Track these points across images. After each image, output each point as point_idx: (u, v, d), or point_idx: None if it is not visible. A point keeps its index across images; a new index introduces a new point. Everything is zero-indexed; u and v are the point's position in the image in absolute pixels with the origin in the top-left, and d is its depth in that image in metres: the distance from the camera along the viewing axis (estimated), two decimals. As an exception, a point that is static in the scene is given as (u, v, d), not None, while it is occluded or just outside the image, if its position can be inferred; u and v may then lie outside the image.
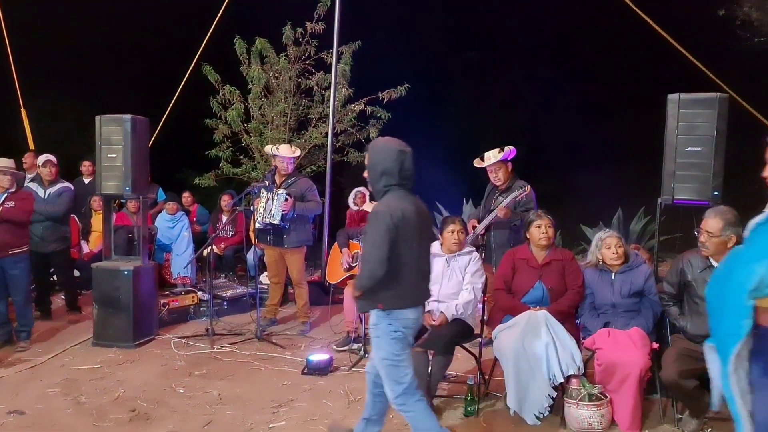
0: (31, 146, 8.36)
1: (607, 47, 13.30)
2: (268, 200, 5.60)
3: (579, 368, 3.81)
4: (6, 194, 5.26)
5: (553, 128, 13.98)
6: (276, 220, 5.56)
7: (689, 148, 4.33)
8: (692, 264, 3.78)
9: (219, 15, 7.81)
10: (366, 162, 3.20)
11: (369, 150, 3.21)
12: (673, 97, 4.38)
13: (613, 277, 4.07)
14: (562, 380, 3.78)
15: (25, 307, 5.44)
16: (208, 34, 7.94)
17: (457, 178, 8.98)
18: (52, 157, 6.27)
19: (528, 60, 14.05)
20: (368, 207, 5.77)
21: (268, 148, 5.96)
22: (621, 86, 13.51)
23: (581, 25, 13.11)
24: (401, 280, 3.05)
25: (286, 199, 5.54)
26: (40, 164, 6.20)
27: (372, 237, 3.01)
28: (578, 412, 3.71)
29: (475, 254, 4.42)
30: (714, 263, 3.68)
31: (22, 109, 8.55)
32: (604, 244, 4.12)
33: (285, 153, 5.79)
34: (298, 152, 6.10)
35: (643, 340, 3.82)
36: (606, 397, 3.76)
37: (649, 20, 6.62)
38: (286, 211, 5.56)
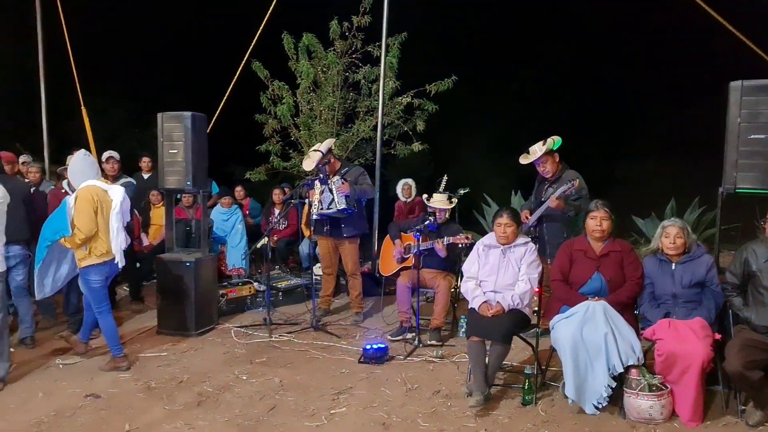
0: (92, 144, 8.70)
1: (659, 33, 12.97)
2: (323, 192, 5.69)
3: (639, 358, 3.80)
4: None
5: (603, 117, 13.73)
6: (342, 205, 5.56)
7: (752, 136, 4.25)
8: (756, 254, 3.73)
9: (268, 13, 7.94)
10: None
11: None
12: (735, 85, 4.29)
13: (673, 267, 4.03)
14: (621, 370, 3.78)
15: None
16: (258, 32, 8.08)
17: (505, 170, 8.93)
18: (115, 154, 6.62)
19: (579, 47, 13.80)
20: (438, 203, 5.59)
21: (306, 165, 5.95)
22: (672, 73, 13.18)
23: (634, 12, 12.80)
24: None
25: (342, 183, 5.62)
26: (103, 160, 6.52)
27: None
28: (638, 402, 3.71)
29: (531, 245, 4.43)
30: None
31: (82, 108, 8.88)
32: (665, 233, 4.08)
33: (307, 167, 5.88)
34: (317, 155, 5.72)
35: (705, 331, 3.78)
36: (666, 387, 3.74)
37: (704, 4, 6.45)
38: (346, 193, 5.58)
